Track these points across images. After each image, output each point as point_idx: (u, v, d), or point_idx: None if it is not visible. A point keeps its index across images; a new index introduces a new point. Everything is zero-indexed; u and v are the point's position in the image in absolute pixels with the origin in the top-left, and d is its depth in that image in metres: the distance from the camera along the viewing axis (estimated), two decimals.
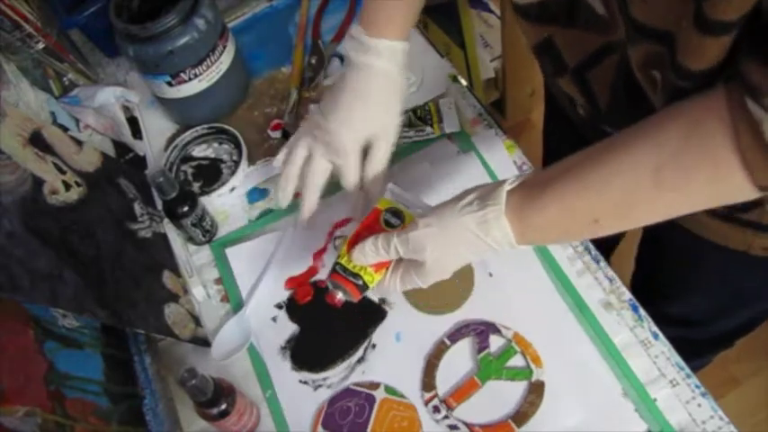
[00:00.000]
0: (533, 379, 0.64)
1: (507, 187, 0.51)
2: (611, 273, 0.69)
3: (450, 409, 0.64)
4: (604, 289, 0.68)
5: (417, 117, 0.82)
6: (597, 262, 0.70)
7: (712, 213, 0.61)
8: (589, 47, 0.56)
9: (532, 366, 0.64)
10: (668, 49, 0.45)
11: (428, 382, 0.66)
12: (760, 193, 0.42)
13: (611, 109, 0.59)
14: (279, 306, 0.74)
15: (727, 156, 0.40)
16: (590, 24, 0.52)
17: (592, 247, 0.71)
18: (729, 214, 0.60)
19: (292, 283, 0.75)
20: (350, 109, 0.62)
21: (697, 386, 0.62)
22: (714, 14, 0.39)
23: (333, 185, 0.80)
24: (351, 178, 0.64)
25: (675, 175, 0.43)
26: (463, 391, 0.65)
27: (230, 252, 0.78)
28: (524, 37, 0.64)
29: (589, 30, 0.53)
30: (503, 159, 0.78)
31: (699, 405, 0.61)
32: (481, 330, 0.67)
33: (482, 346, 0.66)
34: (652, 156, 0.44)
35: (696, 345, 0.80)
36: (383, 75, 0.62)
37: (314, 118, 0.64)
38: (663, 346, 0.64)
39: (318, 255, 0.76)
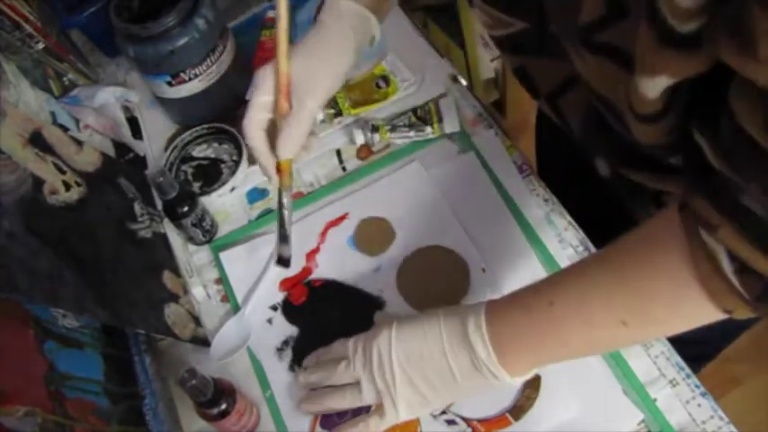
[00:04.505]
0: None
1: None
2: None
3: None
4: None
5: (417, 117, 0.82)
6: None
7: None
8: (557, 76, 0.57)
9: None
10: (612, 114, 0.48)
11: None
12: (725, 315, 0.42)
13: (583, 134, 0.60)
14: (273, 308, 0.73)
15: (688, 283, 0.41)
16: (556, 54, 0.52)
17: (592, 247, 0.71)
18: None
19: (287, 284, 0.75)
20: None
21: (697, 386, 0.62)
22: (637, 108, 0.41)
23: (326, 187, 0.81)
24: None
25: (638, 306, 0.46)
26: None
27: (224, 256, 0.78)
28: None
29: (556, 59, 0.53)
30: (503, 159, 0.78)
31: (699, 405, 0.61)
32: None
33: None
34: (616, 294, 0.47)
35: None
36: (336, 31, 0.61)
37: None
38: (663, 347, 0.64)
39: (312, 255, 0.76)
